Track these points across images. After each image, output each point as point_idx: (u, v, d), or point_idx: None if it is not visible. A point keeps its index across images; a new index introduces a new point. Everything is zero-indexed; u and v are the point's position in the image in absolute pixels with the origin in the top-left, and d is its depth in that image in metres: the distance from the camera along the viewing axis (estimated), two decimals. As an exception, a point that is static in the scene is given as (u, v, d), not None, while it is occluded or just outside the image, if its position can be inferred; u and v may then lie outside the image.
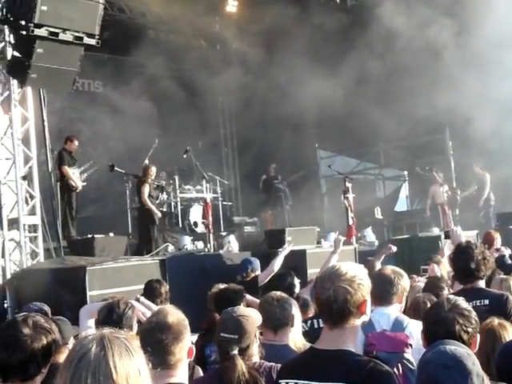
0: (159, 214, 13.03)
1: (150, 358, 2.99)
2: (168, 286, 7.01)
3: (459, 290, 5.22)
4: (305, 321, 5.41)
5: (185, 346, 3.11)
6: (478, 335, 3.19)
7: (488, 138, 15.22)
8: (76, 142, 12.93)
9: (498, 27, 13.01)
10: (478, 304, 4.76)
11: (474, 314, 3.24)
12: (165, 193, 14.98)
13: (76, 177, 12.60)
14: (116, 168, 13.17)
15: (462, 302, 3.28)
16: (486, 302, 4.84)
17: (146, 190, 12.75)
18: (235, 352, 3.73)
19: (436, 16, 14.10)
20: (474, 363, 2.42)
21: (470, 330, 3.15)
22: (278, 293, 4.73)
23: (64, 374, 1.88)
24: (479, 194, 15.97)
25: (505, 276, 5.98)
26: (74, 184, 12.42)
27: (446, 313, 3.18)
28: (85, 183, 13.01)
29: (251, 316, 3.93)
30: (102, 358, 1.86)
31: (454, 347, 2.51)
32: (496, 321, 3.88)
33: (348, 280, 2.94)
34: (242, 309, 4.07)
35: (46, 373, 3.08)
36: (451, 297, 3.34)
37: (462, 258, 5.17)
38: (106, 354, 1.88)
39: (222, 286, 6.15)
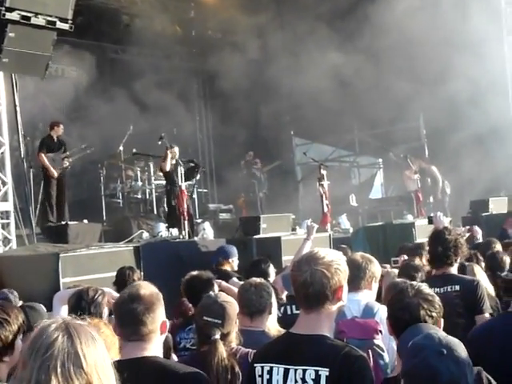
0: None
1: (123, 329, 3.05)
2: (142, 273, 7.00)
3: (431, 275, 5.28)
4: (278, 307, 5.43)
5: (157, 317, 3.11)
6: (442, 320, 3.22)
7: (461, 125, 15.40)
8: (61, 126, 12.74)
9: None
10: (449, 290, 4.82)
11: (437, 299, 3.28)
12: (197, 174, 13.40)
13: (57, 163, 12.44)
14: (135, 150, 12.90)
15: (425, 287, 3.32)
16: (457, 287, 4.88)
17: (167, 167, 12.52)
18: (217, 336, 3.75)
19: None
20: (464, 351, 2.42)
21: (434, 314, 3.19)
22: (258, 279, 4.72)
23: (30, 365, 1.83)
24: (434, 187, 16.12)
25: (467, 262, 6.05)
26: (49, 172, 12.28)
27: (410, 298, 3.21)
28: (68, 167, 12.81)
29: (233, 303, 3.97)
30: (71, 347, 1.83)
31: (442, 334, 2.51)
32: None
33: (326, 264, 2.94)
34: (224, 295, 4.09)
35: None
36: (414, 283, 3.38)
37: (434, 242, 5.22)
38: (73, 342, 1.84)
39: (194, 273, 6.13)
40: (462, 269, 5.69)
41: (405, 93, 14.67)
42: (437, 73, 14.59)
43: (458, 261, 5.16)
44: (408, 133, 17.98)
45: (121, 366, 2.07)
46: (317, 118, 17.05)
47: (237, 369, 3.69)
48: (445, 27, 13.98)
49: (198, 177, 12.80)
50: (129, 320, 3.08)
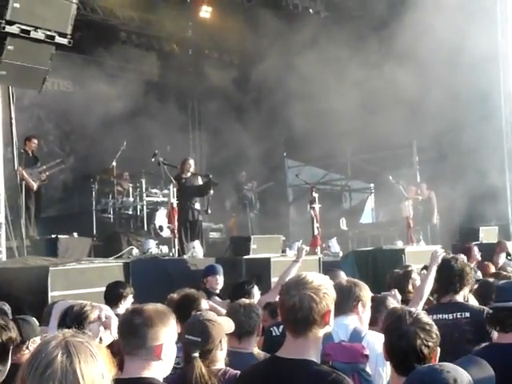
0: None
1: (121, 339, 3.08)
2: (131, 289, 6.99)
3: (436, 304, 5.33)
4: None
5: (153, 336, 3.03)
6: (439, 349, 3.20)
7: (453, 152, 15.49)
8: (35, 141, 12.91)
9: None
10: (459, 316, 4.86)
11: (435, 328, 3.24)
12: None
13: (35, 177, 12.57)
14: (161, 160, 12.57)
15: (423, 315, 3.29)
16: (467, 314, 4.94)
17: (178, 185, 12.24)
18: (196, 354, 3.74)
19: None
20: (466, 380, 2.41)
21: (430, 344, 3.15)
22: (247, 301, 4.74)
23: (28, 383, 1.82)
24: (430, 212, 16.23)
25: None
26: (28, 184, 12.37)
27: (408, 326, 3.17)
28: (45, 181, 12.96)
29: (218, 322, 3.94)
30: (69, 367, 1.82)
31: (448, 370, 2.49)
32: None
33: (314, 288, 2.95)
34: (210, 313, 4.08)
35: (7, 373, 3.05)
36: (413, 310, 3.35)
37: (441, 270, 5.33)
38: (72, 362, 1.83)
39: (183, 291, 6.12)
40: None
41: (399, 119, 14.75)
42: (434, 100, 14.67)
43: (463, 290, 5.20)
44: (401, 159, 18.08)
45: None
46: (310, 140, 17.12)
47: None
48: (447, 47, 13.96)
49: (211, 192, 12.73)
50: (125, 330, 3.11)
